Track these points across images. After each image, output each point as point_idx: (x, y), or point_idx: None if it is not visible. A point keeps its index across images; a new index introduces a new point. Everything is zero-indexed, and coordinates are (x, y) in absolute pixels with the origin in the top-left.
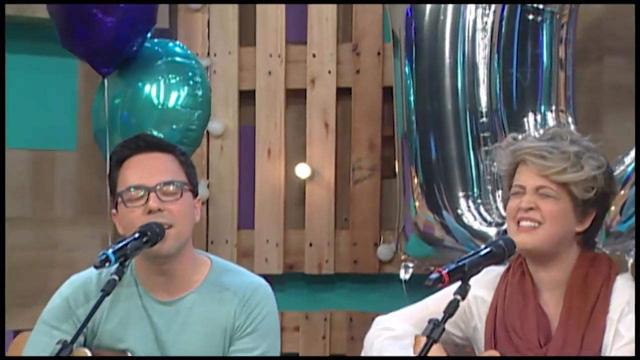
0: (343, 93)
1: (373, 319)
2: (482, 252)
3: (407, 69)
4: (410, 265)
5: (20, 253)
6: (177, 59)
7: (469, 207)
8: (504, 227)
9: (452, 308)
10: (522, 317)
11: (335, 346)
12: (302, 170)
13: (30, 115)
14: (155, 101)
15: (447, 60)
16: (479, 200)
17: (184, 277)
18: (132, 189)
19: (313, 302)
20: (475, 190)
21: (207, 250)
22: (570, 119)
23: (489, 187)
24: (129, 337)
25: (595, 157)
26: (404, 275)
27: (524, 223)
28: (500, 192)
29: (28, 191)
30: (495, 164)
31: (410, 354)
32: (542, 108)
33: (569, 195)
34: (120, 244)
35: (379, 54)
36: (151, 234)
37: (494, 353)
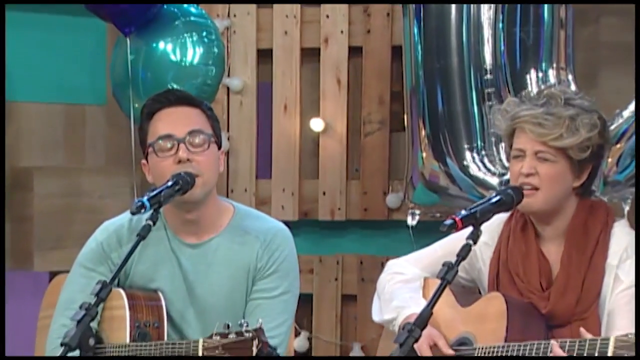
0: (354, 52)
1: (382, 263)
2: (493, 200)
3: (415, 29)
4: (417, 212)
5: (53, 200)
6: (193, 18)
7: (473, 158)
8: (506, 176)
9: (464, 252)
10: (524, 263)
11: (347, 287)
12: (316, 124)
13: (64, 72)
14: (174, 58)
15: (454, 20)
16: (482, 152)
17: (210, 222)
18: (162, 140)
19: (326, 247)
20: (479, 142)
21: (227, 196)
22: (570, 76)
23: (493, 139)
24: (159, 277)
25: (589, 117)
26: (411, 221)
27: (525, 187)
28: (502, 144)
29: (61, 142)
30: (494, 125)
31: (420, 296)
32: (544, 65)
33: (566, 157)
34: (155, 192)
35: (388, 15)
36: (182, 183)
37: (497, 295)
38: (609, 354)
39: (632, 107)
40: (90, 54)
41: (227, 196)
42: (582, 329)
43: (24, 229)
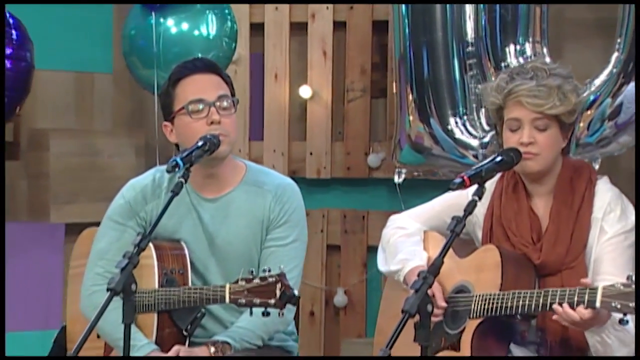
0: (338, 26)
1: (363, 216)
2: (497, 160)
3: (403, 6)
4: (403, 171)
5: (66, 158)
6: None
7: (456, 122)
8: (485, 139)
9: (471, 207)
10: (517, 219)
11: (331, 238)
12: (304, 91)
13: (74, 43)
14: (196, 32)
15: None
16: (464, 117)
17: (226, 178)
18: (194, 103)
19: (313, 202)
20: (461, 108)
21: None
22: (545, 49)
23: (474, 105)
24: (181, 229)
25: (571, 84)
26: (397, 179)
27: (526, 155)
28: (482, 110)
29: (72, 107)
30: (488, 100)
31: (421, 248)
32: (521, 39)
33: (558, 122)
34: (187, 153)
35: None
36: (210, 144)
37: (492, 247)
38: (597, 302)
39: (602, 77)
40: (98, 27)
41: None
42: (584, 280)
43: (40, 185)
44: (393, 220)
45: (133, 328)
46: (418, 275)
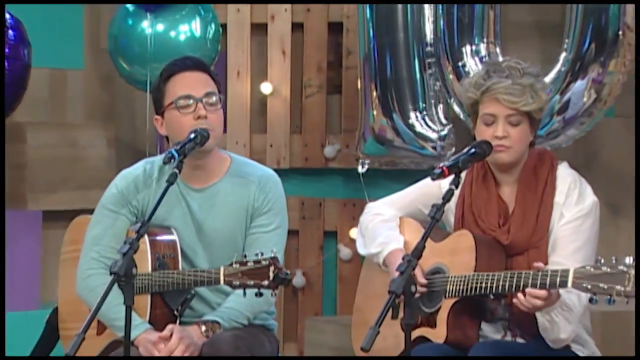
0: (296, 27)
1: (320, 203)
2: (471, 152)
3: (367, 9)
4: (367, 161)
5: (43, 150)
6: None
7: (416, 117)
8: (443, 132)
9: (449, 195)
10: (486, 207)
11: (290, 223)
12: (265, 88)
13: (48, 41)
14: (183, 34)
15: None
16: (424, 112)
17: (212, 169)
18: (183, 99)
19: None
20: (421, 104)
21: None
22: (498, 49)
23: (432, 101)
24: (171, 217)
25: (540, 82)
26: (361, 169)
27: (499, 147)
28: (440, 105)
29: (47, 101)
30: (465, 95)
31: (397, 232)
32: (476, 40)
33: (528, 118)
34: (180, 145)
35: None
36: (200, 137)
37: (466, 232)
38: (569, 284)
39: (551, 75)
40: (70, 26)
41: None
42: (536, 264)
43: (18, 175)
44: (370, 208)
45: None
46: (402, 259)
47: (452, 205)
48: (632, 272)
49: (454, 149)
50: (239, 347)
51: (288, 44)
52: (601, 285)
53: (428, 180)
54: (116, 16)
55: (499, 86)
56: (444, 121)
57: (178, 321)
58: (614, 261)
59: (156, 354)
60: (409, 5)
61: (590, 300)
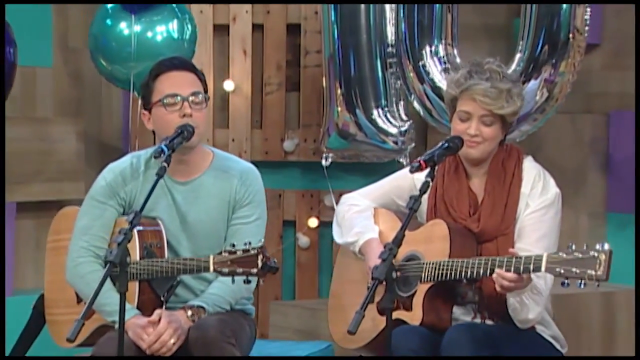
0: (257, 28)
1: (279, 194)
2: (445, 146)
3: (332, 11)
4: (330, 155)
5: (17, 143)
6: (173, 5)
7: (379, 113)
8: (404, 128)
9: (425, 187)
10: (458, 197)
11: None
12: (227, 85)
13: (19, 41)
14: (161, 36)
15: (363, 6)
16: (386, 109)
17: (196, 164)
18: (170, 97)
19: None
20: (383, 101)
21: (154, 143)
22: (455, 51)
23: (394, 99)
24: (157, 208)
25: (518, 88)
26: (325, 162)
27: (470, 143)
28: (401, 102)
29: (18, 97)
30: (446, 91)
31: (372, 222)
32: (436, 41)
33: (501, 120)
34: (169, 140)
35: None
36: (187, 133)
37: (440, 221)
38: (543, 269)
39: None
40: (39, 25)
41: (155, 142)
42: (511, 250)
43: None
44: (346, 198)
45: (116, 295)
46: (384, 247)
47: (424, 196)
48: (603, 257)
49: (413, 144)
50: (224, 330)
51: (249, 44)
52: (573, 269)
53: (401, 172)
54: (96, 17)
55: (477, 87)
56: (404, 117)
57: (164, 306)
58: (585, 247)
59: (145, 337)
60: (371, 8)
61: (562, 284)
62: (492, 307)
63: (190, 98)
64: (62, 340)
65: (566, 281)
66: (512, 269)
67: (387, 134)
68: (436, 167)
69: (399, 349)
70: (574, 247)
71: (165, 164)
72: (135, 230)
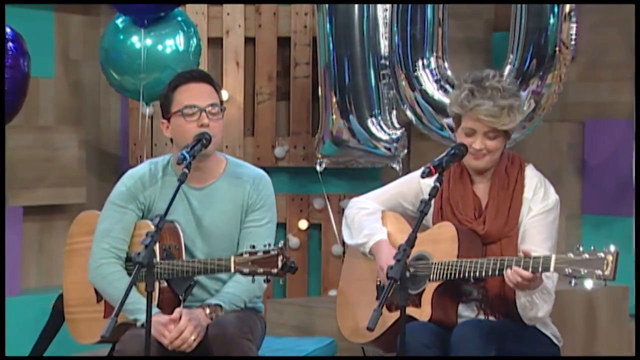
0: (249, 41)
1: None
2: (452, 153)
3: (328, 24)
4: (324, 161)
5: (21, 151)
6: (179, 19)
7: (372, 122)
8: (395, 135)
9: (434, 192)
10: (463, 201)
11: None
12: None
13: None
14: (170, 48)
15: (356, 20)
16: (379, 117)
17: (211, 170)
18: (189, 108)
19: None
20: (377, 110)
21: (151, 150)
22: (446, 64)
23: (387, 108)
24: (174, 212)
25: (518, 102)
26: (319, 168)
27: (476, 156)
28: (394, 111)
29: (22, 106)
30: (451, 109)
31: (381, 224)
32: (427, 54)
33: (504, 133)
34: (190, 148)
35: (274, 14)
36: (205, 141)
37: (448, 223)
38: (551, 269)
39: None
40: (41, 37)
41: (152, 149)
42: (525, 249)
43: None
44: (355, 202)
45: (138, 294)
46: (399, 248)
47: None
48: (610, 258)
49: (406, 150)
50: (242, 327)
51: (241, 56)
52: (581, 270)
53: (407, 177)
54: (107, 32)
55: (481, 108)
56: (397, 125)
57: (182, 305)
58: (592, 249)
59: (167, 334)
60: (365, 22)
61: (570, 282)
62: (495, 305)
63: (208, 109)
64: (81, 337)
65: (574, 280)
66: (521, 268)
67: (381, 141)
68: (443, 173)
69: (411, 344)
70: (581, 248)
71: (187, 170)
72: None
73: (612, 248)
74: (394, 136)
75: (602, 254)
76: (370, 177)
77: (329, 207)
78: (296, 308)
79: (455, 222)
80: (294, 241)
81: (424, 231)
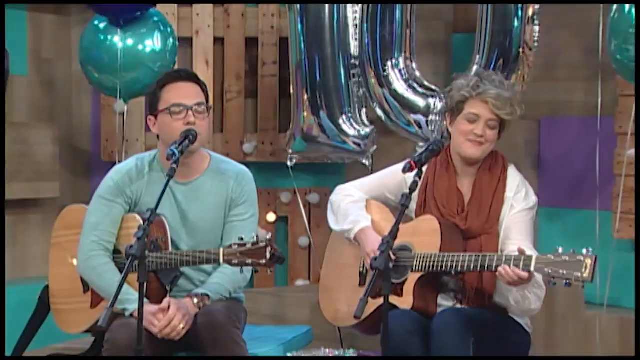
0: (218, 41)
1: None
2: (430, 149)
3: (299, 25)
4: (295, 157)
5: None
6: (156, 19)
7: (343, 119)
8: (364, 132)
9: (414, 185)
10: (447, 195)
11: None
12: None
13: None
14: (148, 48)
15: (327, 20)
16: (350, 114)
17: (196, 166)
18: (176, 106)
19: None
20: (347, 108)
21: (123, 146)
22: (414, 64)
23: (357, 106)
24: (161, 206)
25: (517, 98)
26: (290, 163)
27: (474, 142)
28: (364, 109)
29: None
30: (454, 93)
31: (365, 212)
32: (396, 54)
33: (501, 123)
34: (178, 144)
35: (242, 15)
36: (191, 137)
37: (431, 217)
38: (532, 268)
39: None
40: (15, 37)
41: (123, 144)
42: (520, 247)
43: None
44: (341, 189)
45: (126, 285)
46: (382, 240)
47: (414, 192)
48: (589, 261)
49: (375, 147)
50: (230, 315)
51: (211, 56)
52: (561, 271)
53: (392, 169)
54: (86, 32)
55: (491, 92)
56: (367, 122)
57: (168, 295)
58: (571, 251)
59: (156, 323)
60: (335, 23)
61: (549, 282)
62: (471, 296)
63: (195, 108)
64: (68, 327)
65: (553, 280)
66: (507, 263)
67: (346, 134)
68: (424, 168)
69: (394, 331)
70: (560, 250)
71: (175, 166)
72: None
73: (585, 251)
74: (363, 133)
75: (581, 257)
76: (334, 172)
77: (299, 200)
78: (269, 297)
79: (438, 215)
80: (261, 233)
81: (407, 222)
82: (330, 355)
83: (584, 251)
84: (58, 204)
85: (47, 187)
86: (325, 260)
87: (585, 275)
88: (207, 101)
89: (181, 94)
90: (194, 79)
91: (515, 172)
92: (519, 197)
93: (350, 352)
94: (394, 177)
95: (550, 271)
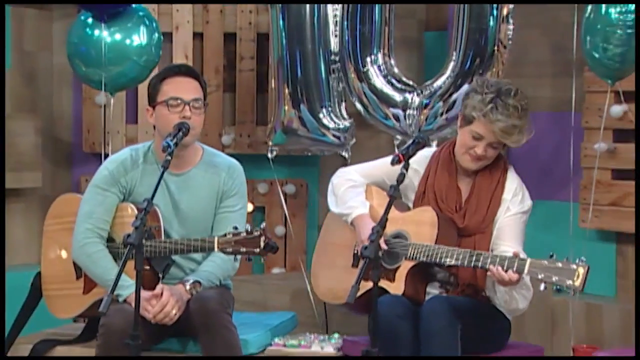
0: (197, 36)
1: None
2: (416, 142)
3: (281, 21)
4: (275, 149)
5: None
6: (141, 13)
7: (323, 113)
8: (342, 125)
9: (401, 178)
10: (446, 191)
11: None
12: None
13: None
14: (133, 41)
15: (308, 17)
16: (330, 108)
17: (189, 158)
18: (173, 100)
19: None
20: (327, 102)
21: (104, 138)
22: (392, 61)
23: (336, 100)
24: (154, 197)
25: (528, 124)
26: (270, 155)
27: (473, 157)
28: (344, 103)
29: None
30: (468, 111)
31: (363, 198)
32: (375, 51)
33: (504, 145)
34: (172, 136)
35: (221, 11)
36: (185, 129)
37: (430, 208)
38: (525, 271)
39: (439, 82)
40: None
41: (104, 136)
42: (515, 251)
43: None
44: (343, 172)
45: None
46: (372, 229)
47: (414, 182)
48: (582, 270)
49: (354, 140)
50: (222, 302)
51: (190, 50)
52: (553, 277)
53: (386, 158)
54: (74, 26)
55: (498, 124)
56: (346, 116)
57: (161, 282)
58: (565, 259)
59: (150, 309)
60: (316, 20)
61: (540, 287)
62: (465, 289)
63: (191, 103)
64: (60, 312)
65: (544, 284)
66: (499, 264)
67: (326, 127)
68: (409, 160)
69: (386, 314)
70: (554, 256)
71: (169, 157)
72: (136, 214)
73: (579, 260)
74: (342, 126)
75: (574, 266)
76: (310, 163)
77: (279, 190)
78: (249, 285)
79: (437, 209)
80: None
81: (406, 211)
82: (316, 340)
83: (578, 260)
84: (40, 193)
85: (29, 177)
86: (321, 237)
87: (576, 283)
88: (205, 98)
89: (180, 88)
90: (194, 74)
91: (514, 175)
92: (515, 200)
93: (335, 337)
94: (387, 163)
95: (542, 276)
